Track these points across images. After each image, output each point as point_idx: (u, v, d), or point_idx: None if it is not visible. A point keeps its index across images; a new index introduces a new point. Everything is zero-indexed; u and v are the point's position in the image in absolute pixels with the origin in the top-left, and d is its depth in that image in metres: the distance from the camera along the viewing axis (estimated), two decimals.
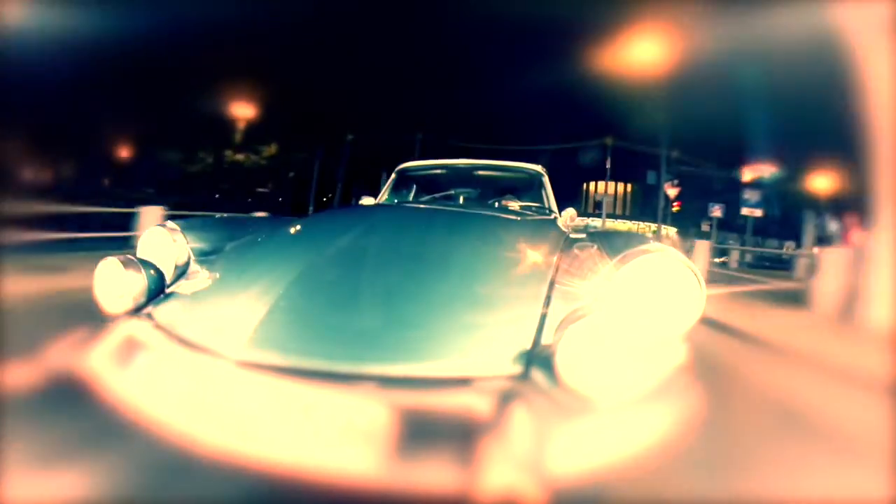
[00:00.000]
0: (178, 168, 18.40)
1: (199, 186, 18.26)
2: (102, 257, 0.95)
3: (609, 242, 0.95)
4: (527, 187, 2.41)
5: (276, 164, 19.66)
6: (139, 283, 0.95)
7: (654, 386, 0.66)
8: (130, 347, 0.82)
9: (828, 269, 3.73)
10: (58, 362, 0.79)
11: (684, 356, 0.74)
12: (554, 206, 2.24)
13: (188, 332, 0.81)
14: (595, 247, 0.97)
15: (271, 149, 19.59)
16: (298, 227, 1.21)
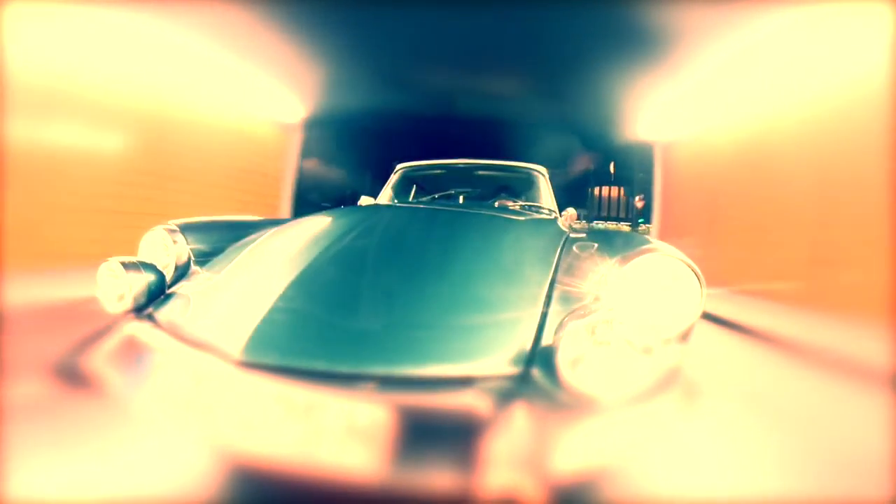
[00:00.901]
0: None
1: None
2: None
3: (609, 242, 0.95)
4: (527, 186, 2.40)
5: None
6: (140, 283, 0.95)
7: (654, 386, 0.66)
8: (131, 347, 0.82)
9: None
10: (58, 362, 0.79)
11: (684, 356, 0.74)
12: (554, 206, 2.23)
13: (189, 332, 0.81)
14: (595, 246, 0.97)
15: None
16: (298, 227, 1.21)
